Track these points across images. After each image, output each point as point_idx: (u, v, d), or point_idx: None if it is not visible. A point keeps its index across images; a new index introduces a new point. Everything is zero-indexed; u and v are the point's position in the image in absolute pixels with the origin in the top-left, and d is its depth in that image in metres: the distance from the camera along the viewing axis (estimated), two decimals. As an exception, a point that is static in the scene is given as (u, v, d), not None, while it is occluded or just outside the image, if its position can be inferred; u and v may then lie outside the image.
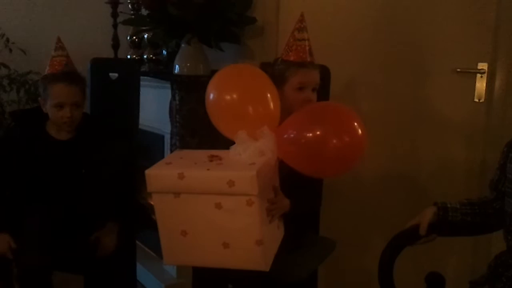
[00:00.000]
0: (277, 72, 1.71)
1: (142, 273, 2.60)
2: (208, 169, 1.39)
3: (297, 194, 1.59)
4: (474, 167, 2.22)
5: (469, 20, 2.19)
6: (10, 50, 3.43)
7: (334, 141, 1.39)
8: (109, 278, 1.91)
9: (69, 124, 1.96)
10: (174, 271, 2.56)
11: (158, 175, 1.42)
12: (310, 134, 1.41)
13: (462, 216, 1.48)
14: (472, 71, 2.20)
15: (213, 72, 2.24)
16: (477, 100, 2.21)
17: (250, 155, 1.41)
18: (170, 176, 1.40)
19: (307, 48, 1.69)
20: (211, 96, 1.56)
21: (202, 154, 1.50)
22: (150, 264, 2.66)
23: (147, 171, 1.42)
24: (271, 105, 1.53)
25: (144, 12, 2.68)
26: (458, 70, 2.21)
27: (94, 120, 2.12)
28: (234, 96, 1.53)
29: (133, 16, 2.83)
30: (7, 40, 3.41)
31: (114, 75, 2.32)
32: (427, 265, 1.60)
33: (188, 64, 2.42)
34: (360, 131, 1.42)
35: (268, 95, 1.54)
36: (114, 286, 1.94)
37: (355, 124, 1.43)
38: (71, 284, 2.38)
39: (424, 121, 2.32)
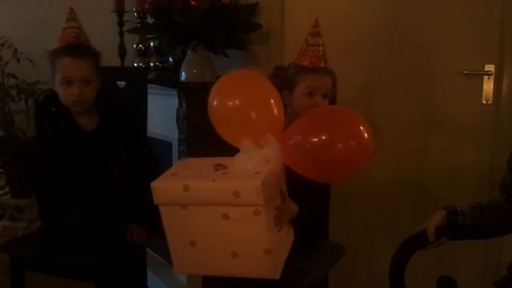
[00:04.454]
0: (288, 77, 1.72)
1: (153, 280, 2.60)
2: (213, 180, 1.38)
3: (305, 199, 1.58)
4: (484, 169, 2.20)
5: (475, 23, 2.18)
6: (18, 60, 3.48)
7: (340, 145, 1.37)
8: (121, 285, 1.91)
9: (80, 104, 1.83)
10: (184, 278, 2.56)
11: (163, 188, 1.41)
12: (315, 139, 1.39)
13: (472, 220, 1.47)
14: (479, 73, 2.19)
15: (219, 78, 2.26)
16: (484, 102, 2.20)
17: (255, 163, 1.40)
18: (176, 188, 1.39)
19: (321, 53, 1.69)
20: (214, 103, 1.55)
21: (207, 163, 1.49)
22: (161, 271, 2.66)
23: (152, 184, 1.41)
24: (275, 110, 1.52)
25: (149, 20, 2.71)
26: (465, 72, 2.20)
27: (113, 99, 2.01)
28: (237, 102, 1.51)
29: (139, 25, 2.85)
30: (15, 50, 3.46)
31: (121, 84, 2.33)
32: (438, 269, 1.59)
33: (194, 71, 2.43)
34: (366, 135, 1.40)
35: (272, 100, 1.53)
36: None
37: (361, 128, 1.41)
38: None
39: (432, 124, 2.31)
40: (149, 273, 2.43)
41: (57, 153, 1.88)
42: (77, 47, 1.85)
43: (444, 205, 1.50)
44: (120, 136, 1.93)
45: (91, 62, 1.86)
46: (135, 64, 2.99)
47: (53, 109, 1.91)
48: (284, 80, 1.72)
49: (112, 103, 1.98)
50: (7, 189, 3.50)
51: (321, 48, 1.70)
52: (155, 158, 2.08)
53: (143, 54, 2.97)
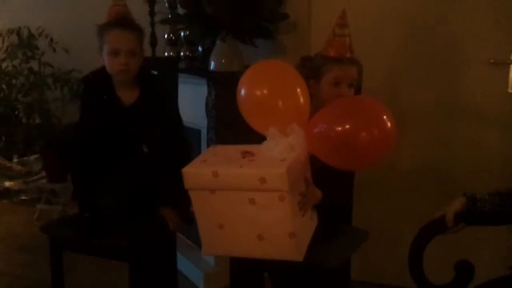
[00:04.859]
0: (315, 67, 1.77)
1: (183, 262, 2.70)
2: (240, 167, 1.44)
3: (329, 186, 1.62)
4: (508, 157, 2.22)
5: (502, 12, 2.19)
6: (54, 50, 3.60)
7: (363, 134, 1.42)
8: (153, 265, 2.00)
9: (126, 73, 1.95)
10: (212, 260, 2.64)
11: (194, 173, 1.48)
12: (339, 128, 1.43)
13: (491, 206, 1.50)
14: (505, 62, 2.20)
15: (247, 67, 2.31)
16: (511, 91, 2.20)
17: (281, 150, 1.45)
18: (205, 174, 1.45)
19: (347, 43, 1.72)
20: (242, 92, 1.61)
21: (235, 150, 1.55)
22: (190, 253, 2.75)
23: (183, 170, 1.48)
24: (301, 99, 1.57)
25: (180, 10, 2.78)
26: (492, 61, 2.21)
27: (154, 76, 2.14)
28: (264, 91, 1.56)
29: (169, 15, 2.92)
30: (51, 40, 3.58)
31: (154, 73, 2.40)
32: (461, 254, 1.60)
33: (223, 61, 2.49)
34: (389, 124, 1.44)
35: (298, 90, 1.58)
36: (158, 273, 2.03)
37: (384, 117, 1.44)
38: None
39: (458, 112, 2.33)
40: (178, 255, 2.52)
41: (96, 125, 2.01)
42: (125, 21, 2.00)
43: (464, 192, 1.54)
44: (157, 112, 2.03)
45: (137, 36, 1.98)
46: (166, 54, 3.06)
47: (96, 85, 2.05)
48: (310, 70, 1.77)
49: (152, 79, 2.11)
50: (43, 173, 3.65)
51: (347, 39, 1.73)
52: (187, 143, 2.16)
53: (173, 43, 3.03)
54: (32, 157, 3.76)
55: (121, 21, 1.99)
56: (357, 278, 2.29)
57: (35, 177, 3.72)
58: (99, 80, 2.04)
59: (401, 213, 2.42)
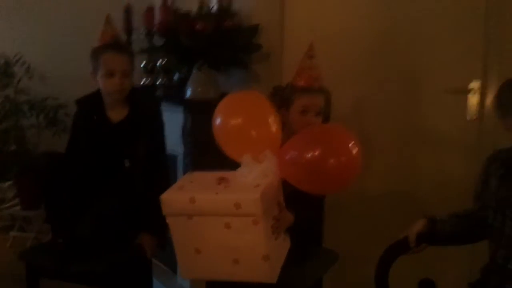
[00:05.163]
0: (285, 96, 1.88)
1: (158, 287, 2.70)
2: (216, 193, 1.51)
3: (300, 209, 1.70)
4: (469, 181, 2.32)
5: (460, 42, 2.35)
6: (30, 77, 3.62)
7: (331, 161, 1.51)
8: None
9: (120, 92, 2.07)
10: (187, 284, 2.65)
11: (171, 200, 1.55)
12: (309, 155, 1.52)
13: (451, 228, 1.62)
14: (464, 91, 2.34)
15: (223, 95, 2.40)
16: (469, 119, 2.34)
17: (255, 177, 1.53)
18: (183, 201, 1.52)
19: (315, 74, 1.85)
20: (217, 121, 1.70)
21: (211, 177, 1.62)
22: (165, 278, 2.75)
23: (162, 196, 1.54)
24: (273, 128, 1.66)
25: (156, 39, 2.87)
26: (451, 90, 2.36)
27: (144, 95, 2.28)
28: (239, 121, 1.66)
29: (147, 44, 3.00)
30: (28, 67, 3.60)
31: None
32: (426, 273, 1.70)
33: (199, 89, 2.58)
34: (355, 151, 1.54)
35: (270, 119, 1.67)
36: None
37: (351, 144, 1.54)
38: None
39: (421, 139, 2.46)
40: (154, 280, 2.54)
41: (84, 145, 2.13)
42: (119, 44, 2.15)
43: (425, 215, 1.64)
44: (143, 130, 2.14)
45: (130, 58, 2.13)
46: (143, 82, 3.13)
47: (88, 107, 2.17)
48: (281, 99, 1.88)
49: (142, 98, 2.24)
50: (16, 200, 3.63)
51: (315, 70, 1.85)
52: (167, 168, 2.26)
53: (150, 72, 3.11)
54: (6, 184, 3.74)
55: (116, 44, 2.13)
56: (329, 299, 2.36)
57: (8, 204, 3.69)
58: (91, 102, 2.16)
59: (369, 235, 2.51)
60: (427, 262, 2.03)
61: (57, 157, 2.17)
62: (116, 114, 2.15)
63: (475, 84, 2.33)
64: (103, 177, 2.10)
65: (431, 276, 1.65)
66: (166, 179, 2.13)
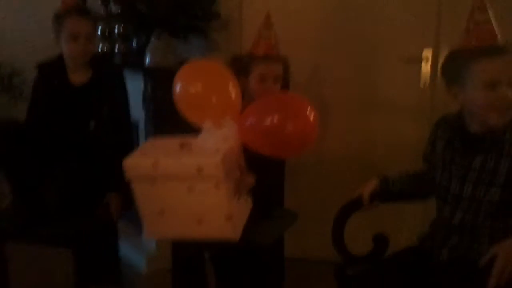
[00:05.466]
0: (244, 64, 1.92)
1: (125, 247, 2.70)
2: (179, 157, 1.56)
3: (261, 172, 1.76)
4: (420, 145, 2.43)
5: (412, 10, 2.42)
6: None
7: (289, 126, 1.58)
8: (96, 252, 2.10)
9: (84, 56, 2.11)
10: (154, 244, 2.72)
11: (134, 165, 1.57)
12: (268, 121, 1.59)
13: (401, 186, 1.73)
14: (417, 58, 2.43)
15: (182, 63, 2.42)
16: (422, 86, 2.44)
17: (216, 141, 1.58)
18: (146, 165, 1.55)
19: (272, 43, 1.90)
20: (178, 89, 1.72)
21: (173, 142, 1.66)
22: (131, 238, 2.78)
23: (124, 161, 1.57)
24: (233, 95, 1.71)
25: (113, 6, 2.83)
26: (405, 58, 2.44)
27: (106, 59, 2.30)
28: (199, 88, 1.70)
29: (102, 11, 2.96)
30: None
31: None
32: (380, 230, 1.80)
33: (159, 57, 2.58)
34: (312, 117, 1.61)
35: (230, 86, 1.71)
36: (101, 259, 2.13)
37: (307, 110, 1.61)
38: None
39: (376, 105, 2.57)
40: (121, 240, 2.58)
41: (46, 109, 2.15)
42: (82, 8, 2.17)
43: (377, 174, 1.75)
44: (106, 92, 2.17)
45: (93, 23, 2.17)
46: (100, 49, 3.09)
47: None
48: (240, 67, 1.92)
49: (105, 61, 2.28)
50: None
51: (272, 39, 1.90)
52: (131, 131, 2.30)
53: (108, 38, 3.07)
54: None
55: (79, 8, 2.15)
56: (290, 255, 2.47)
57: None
58: (52, 66, 2.19)
59: (327, 195, 2.61)
60: (382, 219, 2.16)
61: (6, 125, 2.16)
62: (79, 77, 2.18)
63: (428, 52, 2.41)
64: (68, 140, 2.14)
65: (385, 231, 1.76)
66: (130, 141, 2.18)
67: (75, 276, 2.05)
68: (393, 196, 1.75)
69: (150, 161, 1.55)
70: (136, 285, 2.57)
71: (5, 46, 3.56)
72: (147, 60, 2.61)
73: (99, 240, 2.12)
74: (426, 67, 2.44)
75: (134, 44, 2.91)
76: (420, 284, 1.58)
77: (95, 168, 2.11)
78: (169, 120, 2.48)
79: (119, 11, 2.67)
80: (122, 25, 2.81)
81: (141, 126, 2.74)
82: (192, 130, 1.69)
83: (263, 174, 1.78)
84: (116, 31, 2.93)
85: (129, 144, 2.17)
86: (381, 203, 1.73)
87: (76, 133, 2.15)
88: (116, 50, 2.95)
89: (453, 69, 1.53)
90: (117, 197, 2.13)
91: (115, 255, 2.39)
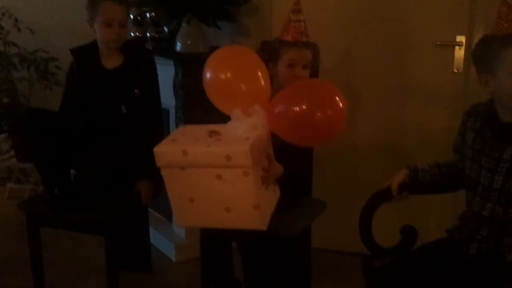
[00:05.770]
0: (273, 50, 1.91)
1: (155, 235, 2.79)
2: (208, 145, 1.57)
3: (289, 161, 1.77)
4: (452, 133, 2.40)
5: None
6: (19, 30, 3.60)
7: (318, 114, 1.57)
8: (127, 238, 2.14)
9: (117, 41, 2.16)
10: (183, 232, 2.75)
11: (165, 152, 1.60)
12: (297, 109, 1.58)
13: (431, 177, 1.69)
14: (451, 43, 2.37)
15: (212, 48, 2.42)
16: (455, 71, 2.39)
17: (245, 130, 1.58)
18: (175, 153, 1.58)
19: (302, 28, 1.87)
20: (207, 76, 1.73)
21: (202, 130, 1.67)
22: (161, 227, 2.85)
23: (155, 149, 1.59)
24: (262, 82, 1.70)
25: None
26: (438, 42, 2.39)
27: (138, 44, 2.35)
28: (228, 75, 1.69)
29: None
30: (16, 20, 3.57)
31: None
32: (409, 221, 1.77)
33: (189, 42, 2.58)
34: (341, 105, 1.60)
35: (259, 73, 1.71)
36: (132, 246, 2.17)
37: (337, 98, 1.60)
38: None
39: (408, 92, 2.51)
40: (150, 229, 2.64)
41: (79, 93, 2.20)
42: None
43: (407, 165, 1.72)
44: (138, 77, 2.21)
45: (126, 9, 2.22)
46: (132, 34, 3.12)
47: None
48: (269, 53, 1.91)
49: (138, 48, 2.32)
50: (12, 153, 3.68)
51: (302, 24, 1.87)
52: (162, 117, 2.33)
53: (139, 24, 3.10)
54: (1, 136, 3.77)
55: None
56: (318, 246, 2.46)
57: (4, 156, 3.74)
58: (86, 51, 2.23)
59: (356, 185, 2.59)
60: (411, 210, 2.13)
61: (39, 114, 2.19)
62: (112, 62, 2.22)
63: (461, 38, 2.36)
64: (101, 125, 2.17)
65: (413, 223, 1.73)
66: (160, 128, 2.20)
67: (107, 261, 2.09)
68: (423, 187, 1.72)
69: (180, 149, 1.57)
70: (166, 272, 2.61)
71: (43, 33, 3.65)
72: (178, 46, 2.62)
73: (131, 227, 2.16)
74: (459, 53, 2.39)
75: (165, 30, 2.93)
76: (448, 278, 1.55)
77: (127, 154, 2.13)
78: (199, 108, 2.52)
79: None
80: (153, 10, 2.81)
81: (172, 112, 2.76)
82: (223, 117, 1.70)
83: (291, 163, 1.78)
84: (148, 16, 2.95)
85: (160, 131, 2.19)
86: (410, 194, 1.70)
87: (109, 118, 2.18)
88: (147, 36, 2.97)
89: (484, 55, 1.49)
90: (148, 184, 2.15)
91: (146, 242, 2.44)
